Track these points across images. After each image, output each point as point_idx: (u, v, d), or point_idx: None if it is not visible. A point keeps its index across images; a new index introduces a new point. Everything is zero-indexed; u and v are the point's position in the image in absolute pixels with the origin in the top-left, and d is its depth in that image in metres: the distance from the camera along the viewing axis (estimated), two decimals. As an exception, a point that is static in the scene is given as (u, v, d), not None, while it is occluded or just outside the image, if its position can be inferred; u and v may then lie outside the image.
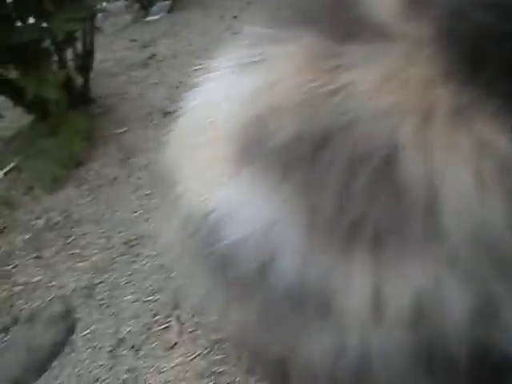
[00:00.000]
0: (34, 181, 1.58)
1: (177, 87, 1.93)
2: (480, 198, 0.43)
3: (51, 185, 1.56)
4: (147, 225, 1.33)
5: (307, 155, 0.48)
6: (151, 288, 1.15)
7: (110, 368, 1.02)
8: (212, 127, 0.61)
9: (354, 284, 0.48)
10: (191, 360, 0.97)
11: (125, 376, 1.00)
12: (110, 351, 1.05)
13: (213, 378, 0.92)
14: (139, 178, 1.52)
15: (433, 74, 0.46)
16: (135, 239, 1.30)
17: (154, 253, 1.22)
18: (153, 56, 2.30)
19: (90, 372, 1.02)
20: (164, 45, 2.41)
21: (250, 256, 0.53)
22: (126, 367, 1.02)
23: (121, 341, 1.07)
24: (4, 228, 1.46)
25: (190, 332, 1.00)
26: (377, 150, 0.45)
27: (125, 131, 1.72)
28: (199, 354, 0.97)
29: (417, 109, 0.45)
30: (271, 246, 0.51)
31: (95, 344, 1.07)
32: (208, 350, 0.96)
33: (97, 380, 1.00)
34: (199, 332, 1.00)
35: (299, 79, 0.51)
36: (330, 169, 0.47)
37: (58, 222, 1.45)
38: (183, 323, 1.04)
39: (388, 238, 0.47)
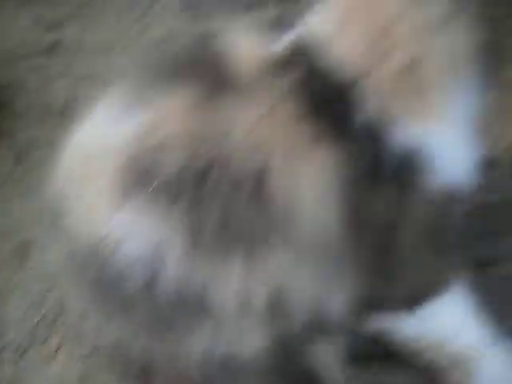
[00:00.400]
0: None
1: (82, 79, 1.91)
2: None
3: None
4: (39, 229, 1.37)
5: (191, 185, 0.59)
6: (37, 294, 1.20)
7: None
8: (101, 160, 0.69)
9: (228, 289, 0.61)
10: (72, 366, 1.06)
11: (5, 382, 1.05)
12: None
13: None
14: (33, 178, 1.52)
15: (294, 114, 0.62)
16: (25, 244, 1.34)
17: (43, 259, 1.26)
18: (58, 42, 2.22)
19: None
20: (71, 28, 2.33)
21: (137, 274, 0.62)
22: (9, 372, 1.07)
23: (3, 347, 1.11)
24: None
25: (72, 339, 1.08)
26: (250, 177, 0.59)
27: (20, 127, 1.69)
28: (80, 360, 1.05)
29: (282, 141, 0.60)
30: (157, 264, 0.60)
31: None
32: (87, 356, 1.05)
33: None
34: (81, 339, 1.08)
35: (182, 122, 0.61)
36: (211, 195, 0.59)
37: None
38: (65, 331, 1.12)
39: (257, 246, 0.61)
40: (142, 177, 0.61)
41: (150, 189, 0.60)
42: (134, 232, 0.61)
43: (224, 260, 0.60)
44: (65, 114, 1.73)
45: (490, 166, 0.77)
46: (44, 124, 1.71)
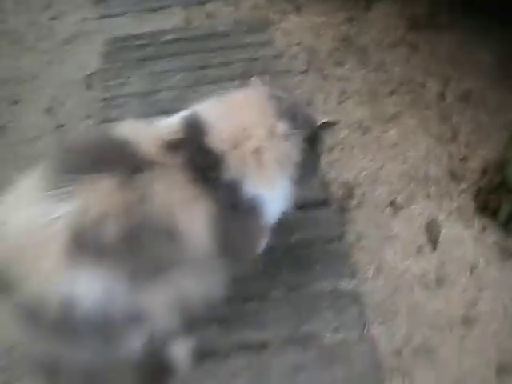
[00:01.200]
0: None
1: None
2: None
3: None
4: None
5: (125, 245, 0.79)
6: None
7: None
8: (45, 233, 0.78)
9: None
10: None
11: None
12: None
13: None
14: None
15: (187, 180, 0.86)
16: None
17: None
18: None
19: None
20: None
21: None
22: None
23: None
24: None
25: None
26: (163, 227, 0.83)
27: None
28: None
29: (180, 201, 0.85)
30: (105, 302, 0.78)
31: None
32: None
33: None
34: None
35: (110, 200, 0.79)
36: (138, 247, 0.80)
37: None
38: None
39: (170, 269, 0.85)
40: (84, 243, 0.77)
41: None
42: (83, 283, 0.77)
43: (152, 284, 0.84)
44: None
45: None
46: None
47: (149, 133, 0.93)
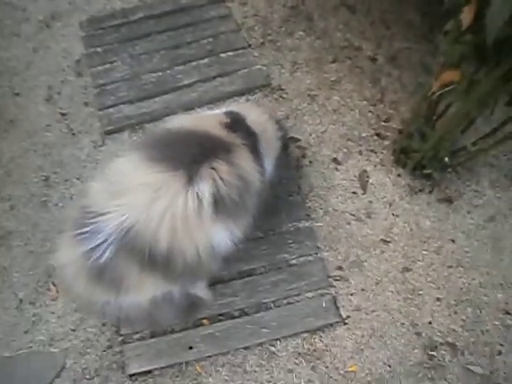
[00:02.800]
0: None
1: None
2: None
3: None
4: (12, 220, 1.86)
5: None
6: (30, 266, 1.75)
7: (20, 316, 1.65)
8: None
9: None
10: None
11: (33, 319, 1.65)
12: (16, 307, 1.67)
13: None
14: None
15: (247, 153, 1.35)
16: (10, 233, 1.82)
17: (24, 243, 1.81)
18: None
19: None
20: None
21: None
22: (32, 314, 1.65)
23: (20, 300, 1.67)
24: None
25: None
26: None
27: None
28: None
29: None
30: None
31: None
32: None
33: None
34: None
35: (227, 175, 1.22)
36: None
37: None
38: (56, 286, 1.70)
39: None
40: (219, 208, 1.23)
41: None
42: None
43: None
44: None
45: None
46: None
47: (210, 120, 1.39)
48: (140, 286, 1.24)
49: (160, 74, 2.16)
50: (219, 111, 1.52)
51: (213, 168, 1.21)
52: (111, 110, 2.07)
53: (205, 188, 1.18)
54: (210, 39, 2.27)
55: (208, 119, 1.42)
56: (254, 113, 1.53)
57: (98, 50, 2.26)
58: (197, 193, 1.18)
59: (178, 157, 1.22)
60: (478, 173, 1.91)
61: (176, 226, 1.17)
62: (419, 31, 2.29)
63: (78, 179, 1.91)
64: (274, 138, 1.54)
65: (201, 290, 1.53)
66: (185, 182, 1.18)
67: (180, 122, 1.40)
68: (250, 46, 2.25)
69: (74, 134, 2.03)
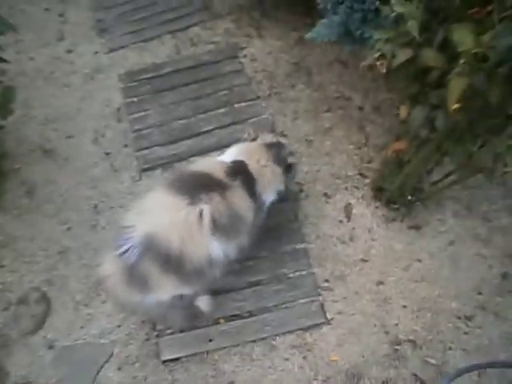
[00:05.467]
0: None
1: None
2: None
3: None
4: (69, 239, 2.43)
5: None
6: (84, 275, 2.29)
7: (77, 315, 2.19)
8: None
9: None
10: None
11: (87, 317, 2.17)
12: (73, 308, 2.20)
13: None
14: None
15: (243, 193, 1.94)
16: (67, 249, 2.39)
17: (78, 258, 2.36)
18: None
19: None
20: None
21: None
22: (86, 313, 2.19)
23: (77, 302, 2.21)
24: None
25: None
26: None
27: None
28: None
29: None
30: None
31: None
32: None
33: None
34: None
35: (220, 204, 1.81)
36: None
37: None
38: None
39: None
40: (215, 226, 1.79)
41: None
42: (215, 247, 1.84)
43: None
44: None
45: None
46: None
47: (217, 166, 1.93)
48: (161, 286, 1.78)
49: (185, 121, 2.76)
50: (230, 156, 2.05)
51: (209, 197, 1.77)
52: (146, 151, 2.67)
53: (203, 207, 1.75)
54: (226, 91, 2.87)
55: (215, 165, 1.96)
56: (256, 159, 2.02)
57: (134, 99, 2.88)
58: (197, 211, 1.74)
59: (186, 188, 1.79)
60: (443, 204, 2.45)
61: (183, 235, 1.72)
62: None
63: (120, 207, 2.49)
64: (273, 179, 2.04)
65: (203, 303, 2.10)
66: (188, 203, 1.74)
67: (195, 165, 2.02)
68: (258, 97, 2.84)
69: (115, 171, 2.63)
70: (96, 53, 3.18)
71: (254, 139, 2.13)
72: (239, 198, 1.86)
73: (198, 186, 1.80)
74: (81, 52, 3.21)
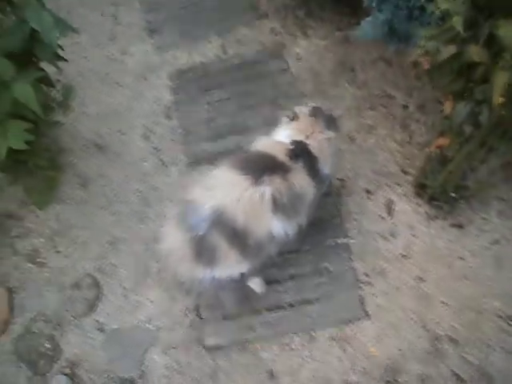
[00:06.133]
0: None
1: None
2: None
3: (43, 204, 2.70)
4: (119, 230, 2.58)
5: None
6: (132, 264, 2.43)
7: (125, 301, 2.32)
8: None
9: None
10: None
11: (135, 304, 2.31)
12: (122, 294, 2.35)
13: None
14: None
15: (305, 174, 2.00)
16: (117, 239, 2.55)
17: (127, 247, 2.50)
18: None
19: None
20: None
21: None
22: (134, 300, 2.33)
23: (125, 289, 2.36)
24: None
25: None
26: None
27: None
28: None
29: None
30: None
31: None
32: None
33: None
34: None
35: (282, 185, 1.88)
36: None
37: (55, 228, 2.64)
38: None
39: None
40: (277, 206, 1.88)
41: None
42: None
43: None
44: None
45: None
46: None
47: (279, 148, 1.98)
48: (226, 260, 1.85)
49: (231, 118, 2.86)
50: (284, 136, 2.07)
51: (271, 179, 1.84)
52: (193, 146, 2.79)
53: (265, 189, 1.82)
54: (272, 89, 2.95)
55: (278, 147, 2.00)
56: (316, 137, 2.05)
57: (183, 97, 3.01)
58: (260, 191, 1.81)
59: (250, 168, 1.87)
60: (488, 203, 2.44)
61: (247, 211, 1.80)
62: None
63: (168, 200, 2.61)
64: (331, 148, 2.09)
65: (256, 285, 2.20)
66: (252, 183, 1.82)
67: (258, 145, 2.05)
68: (305, 95, 2.89)
69: (164, 165, 2.76)
70: (147, 52, 3.34)
71: (294, 116, 2.10)
72: (301, 179, 1.93)
73: (261, 168, 1.87)
74: (132, 52, 3.34)
